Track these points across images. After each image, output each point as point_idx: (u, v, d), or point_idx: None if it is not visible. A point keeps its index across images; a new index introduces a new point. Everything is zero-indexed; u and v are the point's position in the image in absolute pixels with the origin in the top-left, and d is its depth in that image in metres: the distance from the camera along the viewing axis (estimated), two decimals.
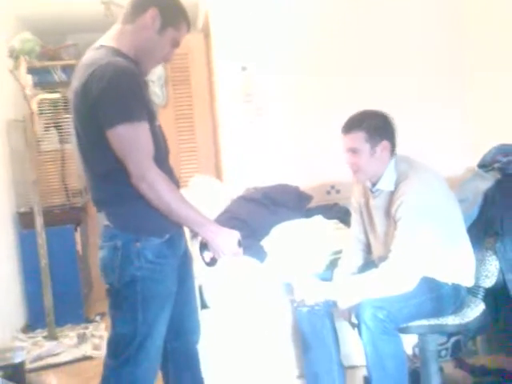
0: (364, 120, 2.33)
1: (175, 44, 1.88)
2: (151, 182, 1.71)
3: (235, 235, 1.86)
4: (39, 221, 3.60)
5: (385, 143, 2.31)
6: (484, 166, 2.81)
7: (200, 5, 4.33)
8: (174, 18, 1.85)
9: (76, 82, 1.76)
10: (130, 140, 1.69)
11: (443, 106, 3.68)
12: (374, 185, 2.39)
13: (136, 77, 1.75)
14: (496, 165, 2.70)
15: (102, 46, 1.82)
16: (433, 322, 2.28)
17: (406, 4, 3.68)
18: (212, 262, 1.90)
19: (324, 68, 3.67)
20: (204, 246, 1.87)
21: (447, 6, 3.67)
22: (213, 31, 3.78)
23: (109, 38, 1.85)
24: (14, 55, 3.69)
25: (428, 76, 3.68)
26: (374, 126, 2.31)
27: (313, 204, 3.36)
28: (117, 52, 1.78)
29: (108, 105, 1.68)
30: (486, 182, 2.63)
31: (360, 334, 2.20)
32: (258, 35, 3.63)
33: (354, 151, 2.33)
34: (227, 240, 1.84)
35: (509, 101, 3.23)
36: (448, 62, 3.69)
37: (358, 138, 2.31)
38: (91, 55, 1.79)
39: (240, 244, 1.86)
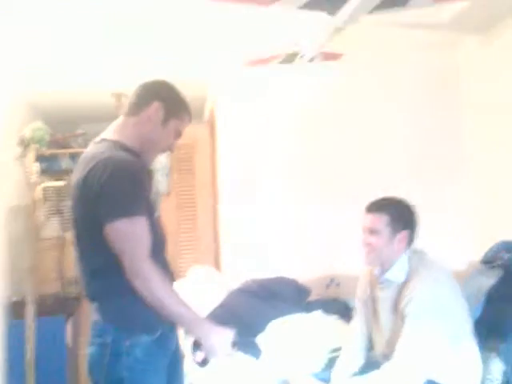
0: (391, 205, 2.35)
1: (178, 134, 1.94)
2: (145, 278, 1.69)
3: (229, 335, 1.81)
4: (30, 311, 3.52)
5: (404, 233, 2.31)
6: (487, 262, 2.78)
7: (207, 98, 4.46)
8: (177, 110, 1.91)
9: (77, 175, 1.78)
10: (128, 235, 1.69)
11: (444, 197, 3.68)
12: (382, 274, 2.36)
13: (136, 171, 1.76)
14: (499, 261, 2.68)
15: (103, 140, 1.85)
16: None
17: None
18: (204, 363, 1.84)
19: (325, 161, 3.71)
20: (196, 346, 1.81)
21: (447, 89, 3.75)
22: (218, 124, 3.87)
23: (111, 132, 1.88)
24: (25, 144, 3.77)
25: (429, 168, 3.70)
26: (399, 214, 2.33)
27: (312, 297, 3.30)
28: (118, 145, 1.81)
29: (108, 200, 1.69)
30: (490, 280, 2.61)
31: None
32: (262, 129, 3.72)
33: (373, 232, 2.31)
34: (221, 340, 1.79)
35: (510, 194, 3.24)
36: (449, 150, 3.72)
37: (381, 220, 2.30)
38: (92, 149, 1.82)
39: (234, 344, 1.81)
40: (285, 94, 3.72)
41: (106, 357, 1.72)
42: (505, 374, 2.25)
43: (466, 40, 3.57)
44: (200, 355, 1.81)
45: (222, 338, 1.79)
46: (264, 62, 3.13)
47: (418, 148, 3.72)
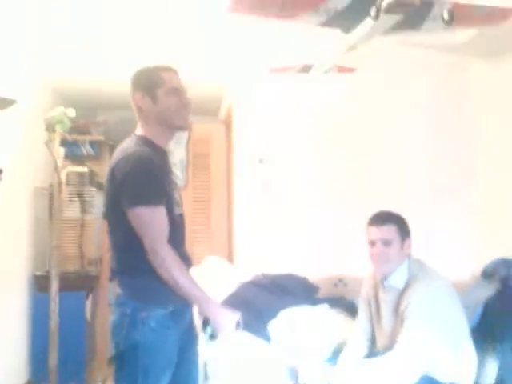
0: (394, 216, 2.51)
1: (175, 91, 2.07)
2: (162, 259, 1.93)
3: (235, 317, 2.03)
4: (54, 285, 3.66)
5: (409, 241, 2.49)
6: (486, 276, 2.94)
7: (224, 97, 4.63)
8: (153, 82, 2.07)
9: (110, 165, 2.03)
10: (147, 220, 1.93)
11: (452, 209, 3.79)
12: (384, 279, 2.52)
13: (154, 167, 1.98)
14: (496, 276, 2.85)
15: (133, 135, 2.10)
16: None
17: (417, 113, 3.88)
18: (212, 337, 2.07)
19: (337, 166, 3.83)
20: (207, 321, 2.03)
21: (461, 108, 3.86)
22: (234, 124, 4.02)
23: (138, 126, 2.12)
24: (51, 129, 3.91)
25: (438, 180, 3.82)
26: (402, 223, 2.50)
27: (319, 296, 3.42)
28: (143, 140, 2.05)
29: (129, 188, 1.94)
30: (488, 292, 2.78)
31: None
32: (278, 130, 3.83)
33: (386, 242, 2.46)
34: (226, 320, 2.01)
35: None
36: (459, 165, 3.84)
37: (392, 230, 2.47)
38: (124, 143, 2.06)
39: (239, 325, 2.03)
40: (300, 100, 3.82)
41: (125, 324, 1.97)
42: (499, 370, 2.44)
43: (477, 64, 3.72)
44: (209, 330, 2.03)
45: (228, 318, 2.01)
46: (282, 70, 3.30)
47: (427, 162, 3.83)
